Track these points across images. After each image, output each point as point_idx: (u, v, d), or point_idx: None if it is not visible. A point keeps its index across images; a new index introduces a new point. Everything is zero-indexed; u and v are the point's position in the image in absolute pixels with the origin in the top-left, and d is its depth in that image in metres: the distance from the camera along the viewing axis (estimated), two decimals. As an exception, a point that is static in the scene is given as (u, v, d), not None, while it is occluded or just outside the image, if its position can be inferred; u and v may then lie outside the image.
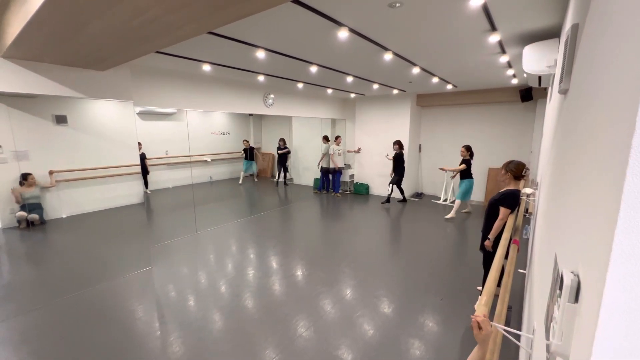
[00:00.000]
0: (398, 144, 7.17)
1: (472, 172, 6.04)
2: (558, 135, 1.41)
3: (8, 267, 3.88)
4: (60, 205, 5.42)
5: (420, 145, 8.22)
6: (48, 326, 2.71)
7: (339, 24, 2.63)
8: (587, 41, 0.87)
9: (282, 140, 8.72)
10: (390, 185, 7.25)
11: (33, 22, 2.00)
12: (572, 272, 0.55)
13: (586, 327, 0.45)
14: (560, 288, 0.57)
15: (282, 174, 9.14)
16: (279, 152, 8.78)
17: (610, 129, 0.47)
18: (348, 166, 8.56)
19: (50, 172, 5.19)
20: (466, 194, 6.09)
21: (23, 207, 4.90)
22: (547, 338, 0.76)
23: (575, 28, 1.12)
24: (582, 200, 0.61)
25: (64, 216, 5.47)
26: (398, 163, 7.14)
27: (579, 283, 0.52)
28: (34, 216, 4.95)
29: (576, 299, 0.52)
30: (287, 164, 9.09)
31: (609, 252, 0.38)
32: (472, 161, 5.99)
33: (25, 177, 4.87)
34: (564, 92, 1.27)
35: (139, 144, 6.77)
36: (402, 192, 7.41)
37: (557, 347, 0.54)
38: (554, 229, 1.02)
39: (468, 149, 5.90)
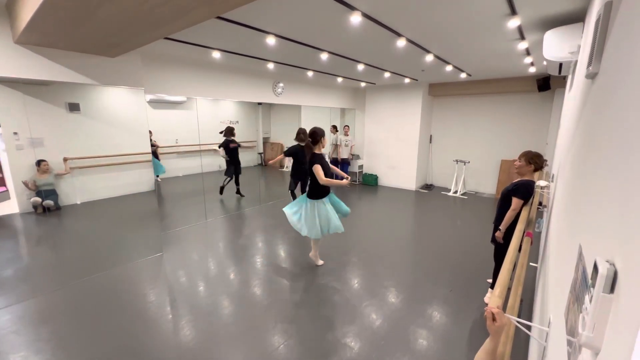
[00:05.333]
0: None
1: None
2: (584, 121, 1.34)
3: (26, 251, 4.01)
4: (74, 191, 5.53)
5: (431, 136, 8.08)
6: (65, 307, 2.80)
7: (351, 7, 2.55)
8: (624, 21, 0.80)
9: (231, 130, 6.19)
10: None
11: (45, 5, 1.99)
12: (607, 262, 0.51)
13: (625, 318, 0.42)
14: (592, 278, 0.54)
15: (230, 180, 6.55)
16: (232, 145, 6.14)
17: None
18: (357, 157, 8.48)
19: (65, 159, 5.29)
20: None
21: (39, 194, 5.03)
22: (568, 331, 0.74)
23: (608, 6, 1.04)
24: (619, 187, 0.57)
25: (78, 202, 5.60)
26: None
27: (615, 272, 0.49)
28: (49, 202, 5.07)
29: (611, 289, 0.49)
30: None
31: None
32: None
33: (38, 164, 4.97)
34: (592, 76, 1.20)
35: (150, 132, 6.82)
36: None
37: (588, 339, 0.51)
38: (579, 219, 0.98)
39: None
